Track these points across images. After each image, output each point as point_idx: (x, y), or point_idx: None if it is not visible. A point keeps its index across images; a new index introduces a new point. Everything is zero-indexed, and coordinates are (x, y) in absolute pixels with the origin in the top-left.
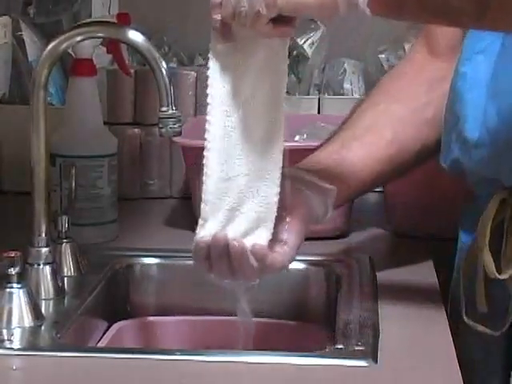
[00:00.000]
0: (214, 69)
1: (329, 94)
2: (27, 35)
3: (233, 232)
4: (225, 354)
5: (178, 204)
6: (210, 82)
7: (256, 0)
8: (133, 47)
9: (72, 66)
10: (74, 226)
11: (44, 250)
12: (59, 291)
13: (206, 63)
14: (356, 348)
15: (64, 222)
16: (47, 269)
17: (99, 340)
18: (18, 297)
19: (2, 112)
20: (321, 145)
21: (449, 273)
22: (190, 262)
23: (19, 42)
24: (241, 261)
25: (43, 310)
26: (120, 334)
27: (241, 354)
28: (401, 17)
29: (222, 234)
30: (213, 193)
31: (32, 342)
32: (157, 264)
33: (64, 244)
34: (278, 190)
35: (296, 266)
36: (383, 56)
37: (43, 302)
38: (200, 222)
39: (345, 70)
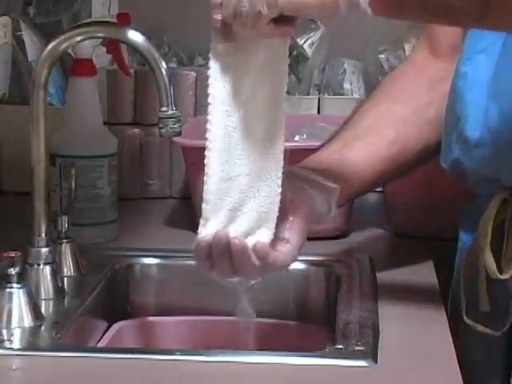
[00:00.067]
0: (214, 69)
1: (329, 94)
2: (27, 35)
3: (234, 232)
4: (225, 354)
5: (178, 204)
6: (210, 81)
7: (257, 0)
8: (133, 47)
9: (72, 66)
10: (74, 226)
11: (44, 250)
12: (59, 291)
13: (206, 63)
14: (356, 348)
15: (64, 222)
16: (47, 269)
17: (99, 340)
18: (18, 297)
19: (1, 112)
20: (322, 145)
21: (449, 273)
22: (190, 262)
23: (19, 42)
24: (242, 259)
25: (43, 310)
26: (120, 334)
27: (241, 354)
28: (402, 16)
29: (224, 233)
30: (214, 192)
31: (32, 342)
32: (157, 264)
33: (64, 244)
34: (279, 189)
35: (296, 266)
36: (383, 56)
37: (43, 302)
38: (201, 221)
39: (345, 70)
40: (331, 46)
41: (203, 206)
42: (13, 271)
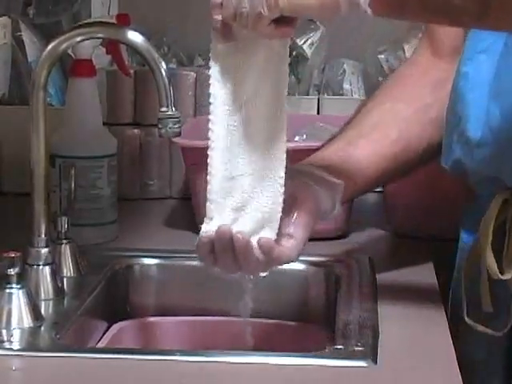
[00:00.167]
0: (215, 69)
1: (328, 95)
2: (27, 36)
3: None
4: (224, 355)
5: (178, 204)
6: (211, 81)
7: (258, 1)
8: (132, 48)
9: (71, 67)
10: (74, 227)
11: (44, 250)
12: (59, 292)
13: (206, 64)
14: (355, 348)
15: (64, 223)
16: (47, 269)
17: (99, 340)
18: (18, 297)
19: (1, 113)
20: (326, 143)
21: (449, 274)
22: (190, 263)
23: (19, 43)
24: (246, 254)
25: (43, 311)
26: (120, 335)
27: (240, 354)
28: (402, 16)
29: (227, 228)
30: (217, 192)
31: (31, 343)
32: (156, 264)
33: (64, 244)
34: (282, 189)
35: (296, 266)
36: (383, 57)
37: (43, 302)
38: (206, 220)
39: (344, 71)
40: (331, 46)
41: (207, 204)
42: (12, 272)
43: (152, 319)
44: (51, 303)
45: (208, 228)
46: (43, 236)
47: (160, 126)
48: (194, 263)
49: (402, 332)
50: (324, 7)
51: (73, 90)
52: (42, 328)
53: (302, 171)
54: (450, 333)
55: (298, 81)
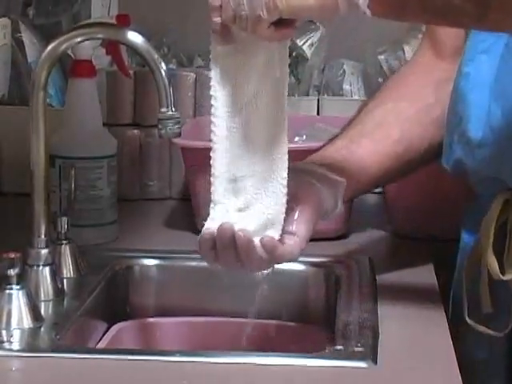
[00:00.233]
0: (215, 70)
1: (328, 95)
2: (26, 36)
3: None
4: (225, 355)
5: (178, 205)
6: (212, 83)
7: (257, 3)
8: (132, 48)
9: (71, 68)
10: (74, 227)
11: (43, 251)
12: (59, 292)
13: (206, 65)
14: (355, 349)
15: (63, 223)
16: (47, 270)
17: (99, 341)
18: (18, 298)
19: (1, 113)
20: (327, 142)
21: (449, 275)
22: (190, 263)
23: (18, 44)
24: (248, 252)
25: (42, 312)
26: (119, 336)
27: (240, 355)
28: (401, 17)
29: (229, 225)
30: (221, 193)
31: (31, 344)
32: (156, 265)
33: (63, 245)
34: (284, 190)
35: (296, 267)
36: (382, 57)
37: (43, 303)
38: (209, 220)
39: (344, 71)
40: (330, 46)
41: (211, 206)
42: (12, 272)
43: (152, 320)
44: (51, 304)
45: (210, 225)
46: (43, 236)
47: (160, 126)
48: (194, 264)
49: (401, 332)
50: (323, 9)
51: (73, 91)
52: (42, 329)
53: (304, 169)
54: (450, 333)
55: (298, 81)
